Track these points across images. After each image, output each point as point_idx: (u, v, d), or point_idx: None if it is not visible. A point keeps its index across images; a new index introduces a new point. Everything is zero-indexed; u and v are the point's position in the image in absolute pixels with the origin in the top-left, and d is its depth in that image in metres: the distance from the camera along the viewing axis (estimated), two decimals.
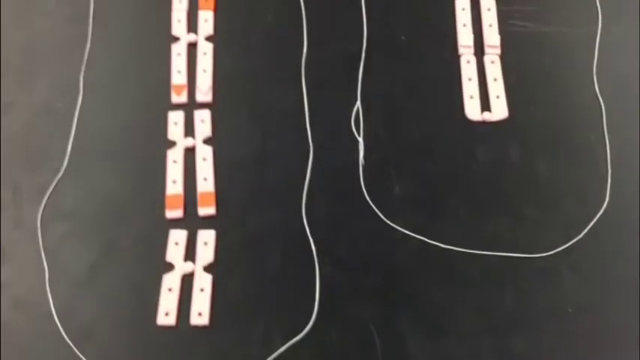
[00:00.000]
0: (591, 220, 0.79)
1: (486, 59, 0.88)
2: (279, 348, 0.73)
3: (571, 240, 0.78)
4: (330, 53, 0.90)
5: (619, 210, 0.80)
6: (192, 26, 0.90)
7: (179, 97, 0.84)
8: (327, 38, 0.91)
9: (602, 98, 0.86)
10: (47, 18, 0.90)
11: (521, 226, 0.79)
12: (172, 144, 0.82)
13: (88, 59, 0.87)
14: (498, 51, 0.89)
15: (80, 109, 0.84)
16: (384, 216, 0.79)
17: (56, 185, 0.79)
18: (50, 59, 0.87)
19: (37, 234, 0.77)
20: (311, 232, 0.78)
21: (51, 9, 0.91)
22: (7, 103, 0.84)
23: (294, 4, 0.92)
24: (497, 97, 0.86)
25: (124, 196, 0.80)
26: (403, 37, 0.90)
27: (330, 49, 0.90)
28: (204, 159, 0.81)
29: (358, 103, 0.86)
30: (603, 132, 0.84)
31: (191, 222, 0.78)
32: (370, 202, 0.80)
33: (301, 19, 0.91)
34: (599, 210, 0.80)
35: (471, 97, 0.86)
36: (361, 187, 0.81)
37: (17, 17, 0.90)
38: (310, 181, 0.81)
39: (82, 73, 0.86)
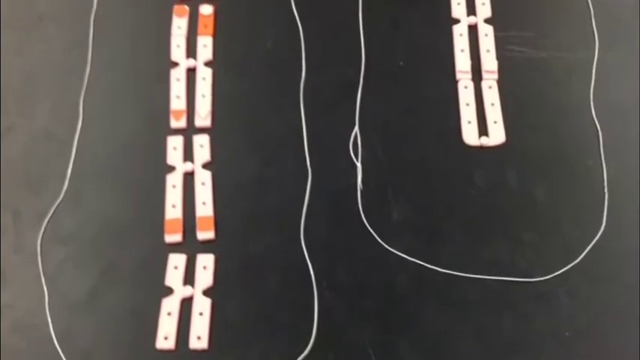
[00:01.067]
0: (588, 245, 0.82)
1: (484, 84, 0.91)
2: None
3: (568, 264, 0.80)
4: (329, 78, 0.93)
5: (616, 234, 0.83)
6: (191, 51, 0.93)
7: (178, 122, 0.87)
8: (326, 63, 0.94)
9: (599, 123, 0.89)
10: (47, 43, 0.93)
11: (519, 250, 0.82)
12: (172, 169, 0.84)
13: (87, 84, 0.90)
14: (496, 76, 0.92)
15: (80, 134, 0.86)
16: (382, 240, 0.82)
17: (56, 209, 0.82)
18: (50, 84, 0.90)
19: (36, 258, 0.79)
20: (309, 256, 0.80)
21: (51, 34, 0.94)
22: (7, 127, 0.87)
23: (292, 29, 0.95)
24: (495, 122, 0.89)
25: (123, 220, 0.82)
26: (401, 63, 0.94)
27: (329, 74, 0.93)
28: (203, 183, 0.83)
29: (356, 128, 0.88)
30: (600, 157, 0.87)
31: (190, 246, 0.80)
32: (368, 227, 0.82)
33: (300, 44, 0.94)
34: (596, 234, 0.82)
35: (469, 122, 0.88)
36: (359, 212, 0.83)
37: (17, 42, 0.93)
38: (309, 205, 0.83)
39: (82, 98, 0.89)
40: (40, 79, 0.91)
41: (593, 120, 0.89)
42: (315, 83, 0.92)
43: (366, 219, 0.83)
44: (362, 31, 0.95)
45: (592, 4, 0.98)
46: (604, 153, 0.87)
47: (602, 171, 0.86)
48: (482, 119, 0.89)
